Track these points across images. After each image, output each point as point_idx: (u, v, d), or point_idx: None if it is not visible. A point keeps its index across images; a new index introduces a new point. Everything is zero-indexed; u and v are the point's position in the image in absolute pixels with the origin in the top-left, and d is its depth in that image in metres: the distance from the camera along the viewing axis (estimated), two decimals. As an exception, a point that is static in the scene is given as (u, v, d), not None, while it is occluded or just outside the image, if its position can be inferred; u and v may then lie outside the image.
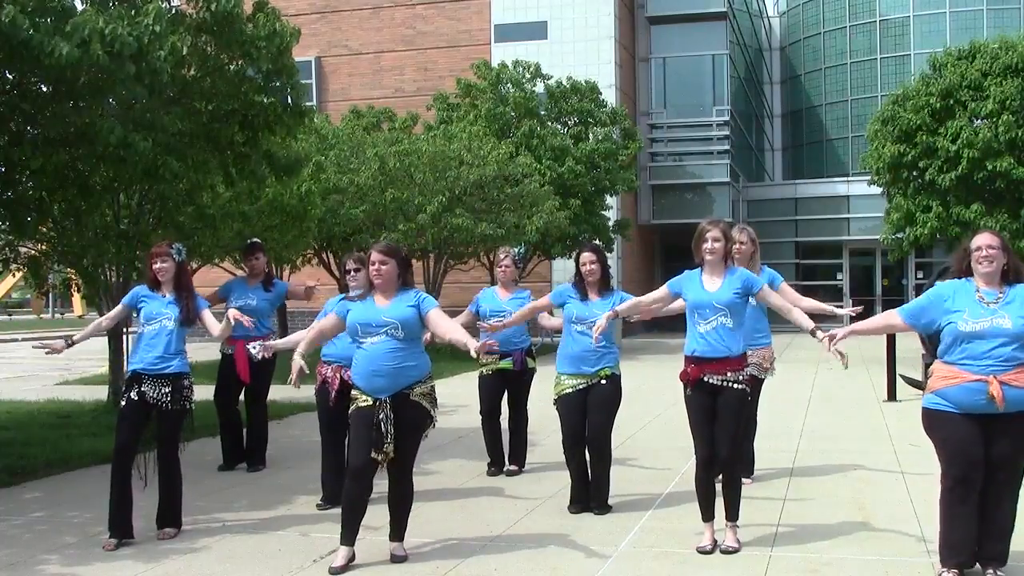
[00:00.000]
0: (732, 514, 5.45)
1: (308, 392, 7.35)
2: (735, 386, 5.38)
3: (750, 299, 5.54)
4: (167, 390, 5.85)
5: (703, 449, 5.43)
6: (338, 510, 6.48)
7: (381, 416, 5.16)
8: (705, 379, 5.38)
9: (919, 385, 12.36)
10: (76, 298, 33.84)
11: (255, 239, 8.95)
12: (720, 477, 5.47)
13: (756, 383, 6.62)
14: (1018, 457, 4.74)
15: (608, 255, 8.06)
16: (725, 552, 5.33)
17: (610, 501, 6.38)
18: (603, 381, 6.29)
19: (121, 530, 5.68)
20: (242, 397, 8.20)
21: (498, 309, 7.31)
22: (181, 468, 6.02)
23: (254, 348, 7.99)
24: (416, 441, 5.33)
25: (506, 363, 7.56)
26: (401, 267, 5.35)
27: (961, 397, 4.66)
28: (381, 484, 5.45)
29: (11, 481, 7.47)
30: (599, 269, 6.34)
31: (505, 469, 7.69)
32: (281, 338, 8.15)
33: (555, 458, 8.17)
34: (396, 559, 5.27)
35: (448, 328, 5.29)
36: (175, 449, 5.98)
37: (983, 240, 4.81)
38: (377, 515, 5.50)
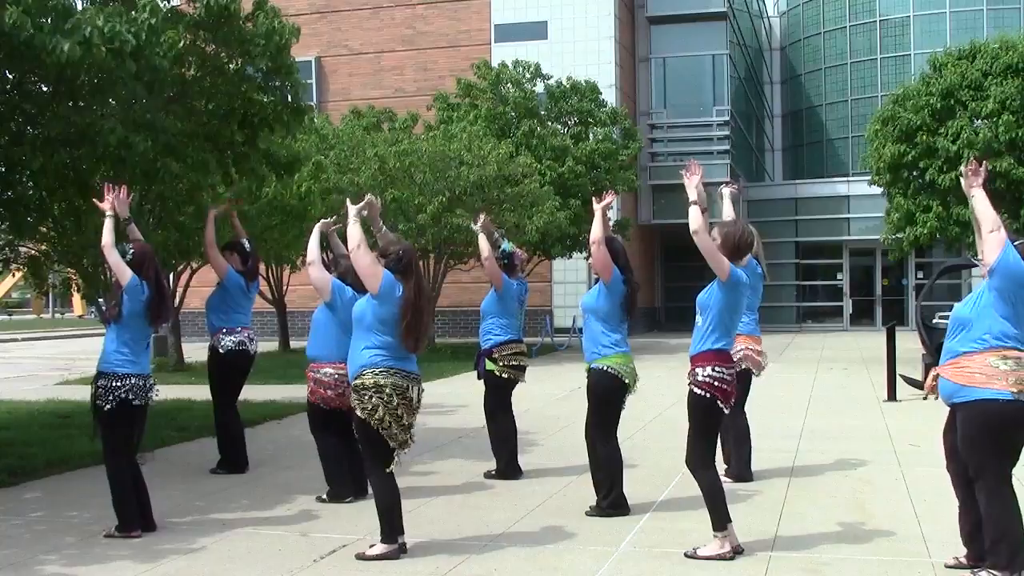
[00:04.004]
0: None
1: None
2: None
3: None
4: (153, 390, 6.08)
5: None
6: (338, 507, 6.53)
7: None
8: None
9: (919, 385, 12.35)
10: (76, 298, 33.88)
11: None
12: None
13: None
14: None
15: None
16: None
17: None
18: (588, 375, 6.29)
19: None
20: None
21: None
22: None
23: (223, 340, 7.84)
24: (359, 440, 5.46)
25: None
26: None
27: None
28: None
29: (11, 481, 7.47)
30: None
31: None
32: (254, 337, 8.03)
33: (555, 458, 8.18)
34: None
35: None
36: None
37: None
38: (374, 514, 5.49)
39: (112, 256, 5.91)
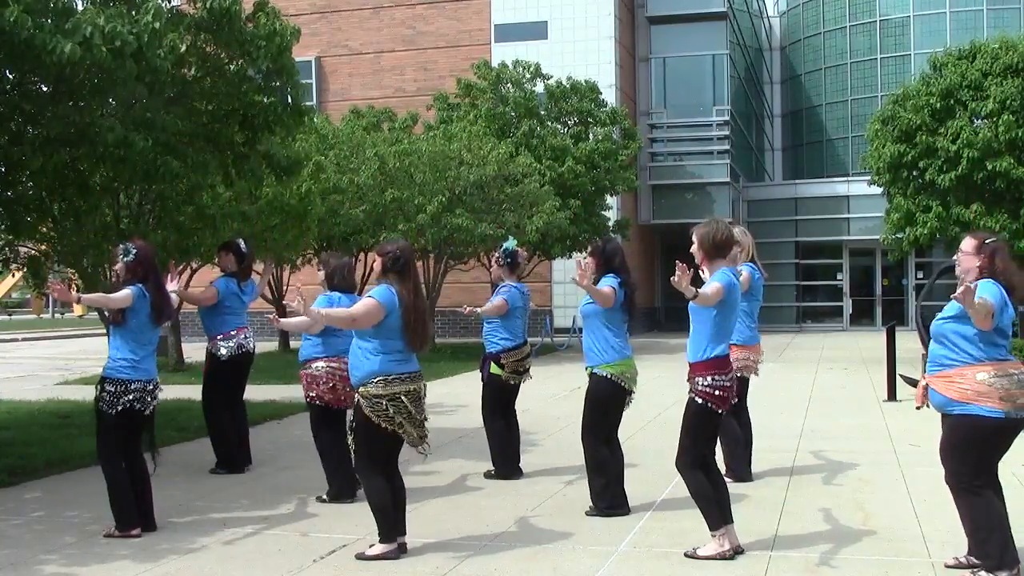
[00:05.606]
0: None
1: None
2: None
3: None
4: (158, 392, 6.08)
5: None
6: (338, 507, 6.54)
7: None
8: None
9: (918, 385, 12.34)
10: (76, 298, 33.83)
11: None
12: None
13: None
14: None
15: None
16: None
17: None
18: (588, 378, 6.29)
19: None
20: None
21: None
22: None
23: (220, 346, 7.82)
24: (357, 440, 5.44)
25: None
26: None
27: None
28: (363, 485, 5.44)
29: (11, 481, 7.47)
30: (591, 264, 6.16)
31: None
32: (247, 338, 8.00)
33: (555, 458, 8.18)
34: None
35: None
36: None
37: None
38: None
39: (112, 303, 5.89)
